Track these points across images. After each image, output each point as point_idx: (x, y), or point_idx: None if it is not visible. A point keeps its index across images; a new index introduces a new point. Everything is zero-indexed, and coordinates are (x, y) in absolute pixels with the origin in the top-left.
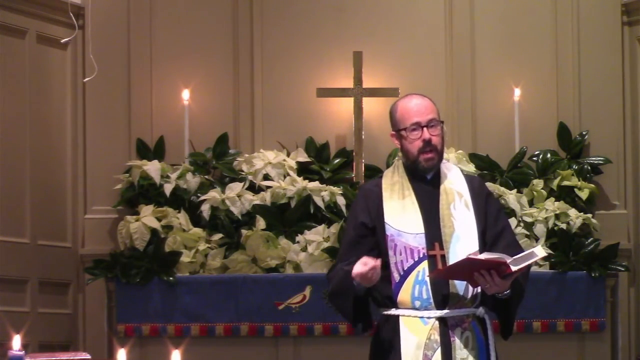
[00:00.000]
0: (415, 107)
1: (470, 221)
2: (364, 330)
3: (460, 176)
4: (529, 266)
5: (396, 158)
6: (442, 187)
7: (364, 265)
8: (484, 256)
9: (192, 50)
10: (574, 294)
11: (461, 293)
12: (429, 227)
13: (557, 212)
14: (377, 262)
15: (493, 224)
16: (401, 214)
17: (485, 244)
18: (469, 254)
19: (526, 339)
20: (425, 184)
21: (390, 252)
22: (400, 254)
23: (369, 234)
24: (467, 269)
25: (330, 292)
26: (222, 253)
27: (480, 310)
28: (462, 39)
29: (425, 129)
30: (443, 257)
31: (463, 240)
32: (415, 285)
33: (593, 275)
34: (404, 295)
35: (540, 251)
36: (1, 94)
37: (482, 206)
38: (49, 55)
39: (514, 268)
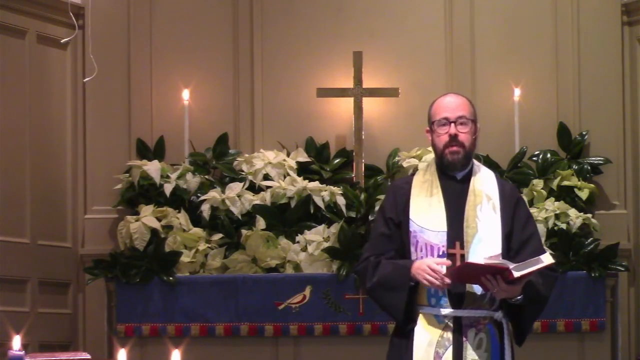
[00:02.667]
0: (447, 104)
1: (495, 224)
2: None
3: (492, 180)
4: (553, 276)
5: (397, 158)
6: (471, 188)
7: (432, 270)
8: (484, 261)
9: (192, 50)
10: (574, 294)
11: (478, 294)
12: (452, 226)
13: (557, 212)
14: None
15: (520, 230)
16: (426, 211)
17: (510, 249)
18: (470, 260)
19: (526, 338)
20: (455, 184)
21: (412, 248)
22: (421, 251)
23: (397, 229)
24: (474, 273)
25: (376, 284)
26: (222, 253)
27: (499, 314)
28: (462, 39)
29: (453, 124)
30: (463, 256)
31: (485, 242)
32: None
33: (593, 275)
34: (420, 292)
35: (547, 258)
36: (1, 94)
37: (510, 211)
38: (49, 55)
39: (516, 274)
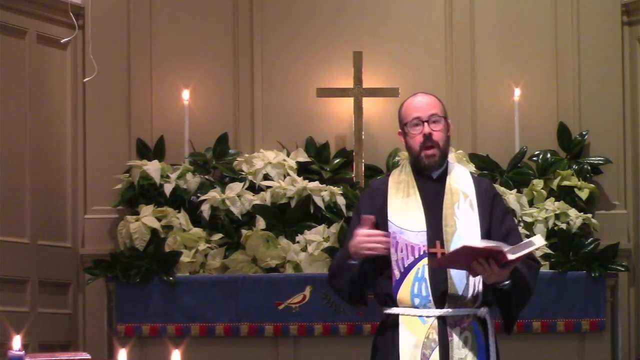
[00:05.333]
0: (418, 103)
1: (473, 221)
2: (362, 307)
3: (468, 177)
4: (536, 267)
5: (397, 158)
6: (447, 187)
7: (368, 236)
8: (481, 244)
9: (192, 50)
10: (574, 294)
11: (460, 292)
12: (431, 226)
13: (557, 212)
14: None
15: (499, 225)
16: (404, 212)
17: None
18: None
19: (526, 339)
20: (431, 183)
21: (392, 250)
22: (402, 251)
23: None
24: (466, 257)
25: (329, 276)
26: (222, 253)
27: (482, 311)
28: (462, 39)
29: (426, 124)
30: (444, 255)
31: (465, 239)
32: (415, 282)
33: (593, 275)
34: (403, 292)
35: (538, 240)
36: (1, 94)
37: (487, 207)
38: (49, 55)
39: (510, 256)
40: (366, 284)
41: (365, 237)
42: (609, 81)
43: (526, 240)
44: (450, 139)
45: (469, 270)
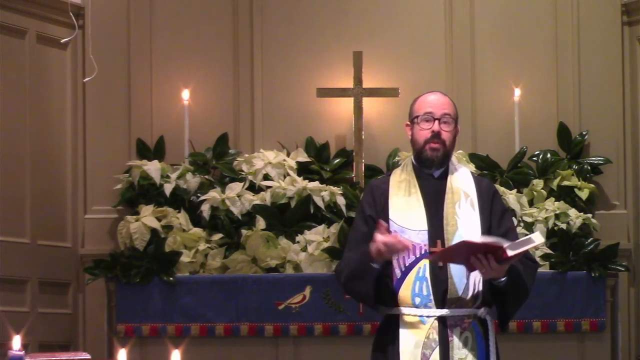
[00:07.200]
0: (433, 100)
1: (474, 221)
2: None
3: (468, 176)
4: (534, 267)
5: (397, 158)
6: (448, 186)
7: (385, 235)
8: (480, 240)
9: (192, 50)
10: (574, 294)
11: (461, 292)
12: (433, 225)
13: (557, 212)
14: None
15: (497, 224)
16: (406, 211)
17: None
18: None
19: (526, 339)
20: (433, 183)
21: None
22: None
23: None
24: (464, 252)
25: (346, 278)
26: (222, 253)
27: (482, 311)
28: (462, 39)
29: (437, 121)
30: (442, 250)
31: (466, 238)
32: (416, 281)
33: (593, 275)
34: (404, 291)
35: (537, 237)
36: (1, 94)
37: (487, 206)
38: (49, 55)
39: (510, 253)
40: (387, 284)
41: (391, 241)
42: (609, 81)
43: (525, 237)
44: (455, 144)
45: (466, 265)
